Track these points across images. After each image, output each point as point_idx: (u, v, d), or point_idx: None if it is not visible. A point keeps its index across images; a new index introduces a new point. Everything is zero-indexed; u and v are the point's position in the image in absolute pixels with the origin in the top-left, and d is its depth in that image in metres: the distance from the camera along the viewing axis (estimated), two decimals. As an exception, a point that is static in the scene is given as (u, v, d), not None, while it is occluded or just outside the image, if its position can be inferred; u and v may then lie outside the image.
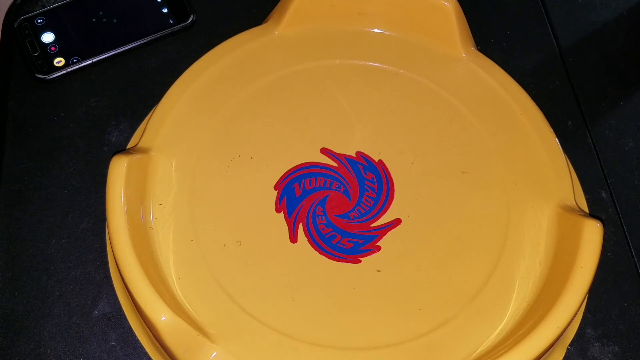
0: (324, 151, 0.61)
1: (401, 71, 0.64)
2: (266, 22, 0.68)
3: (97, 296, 0.59)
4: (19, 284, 0.59)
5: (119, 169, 0.55)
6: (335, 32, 0.66)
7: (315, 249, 0.57)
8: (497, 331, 0.54)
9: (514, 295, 0.56)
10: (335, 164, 0.61)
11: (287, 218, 0.58)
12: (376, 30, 0.66)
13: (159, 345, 0.54)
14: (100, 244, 0.61)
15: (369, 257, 0.57)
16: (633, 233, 0.63)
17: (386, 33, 0.66)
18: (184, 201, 0.58)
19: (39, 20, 0.69)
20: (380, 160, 0.61)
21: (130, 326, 0.58)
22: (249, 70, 0.64)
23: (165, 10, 0.70)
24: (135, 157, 0.56)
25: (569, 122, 0.68)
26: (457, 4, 0.63)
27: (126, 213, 0.54)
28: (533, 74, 0.70)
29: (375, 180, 0.60)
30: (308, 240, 0.58)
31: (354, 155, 0.61)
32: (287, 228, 0.58)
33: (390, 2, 0.65)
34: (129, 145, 0.64)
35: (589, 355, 0.58)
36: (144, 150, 0.59)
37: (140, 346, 0.57)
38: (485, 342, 0.54)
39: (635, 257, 0.62)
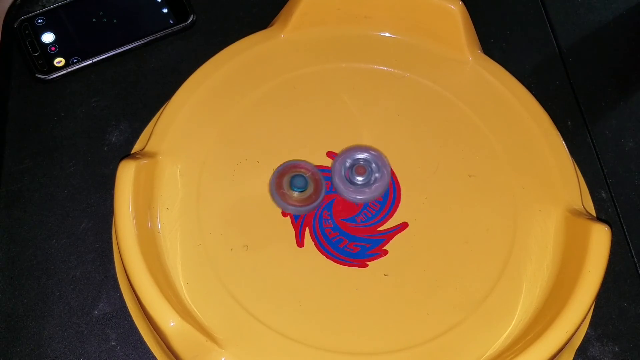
0: (330, 155, 0.61)
1: (407, 74, 0.64)
2: (272, 25, 0.67)
3: (97, 296, 0.59)
4: (19, 284, 0.59)
5: (127, 174, 0.54)
6: (342, 36, 0.66)
7: (322, 253, 0.57)
8: (505, 335, 0.54)
9: (521, 299, 0.56)
10: (341, 168, 0.61)
11: (294, 222, 0.58)
12: (382, 33, 0.66)
13: (167, 350, 0.54)
14: (101, 244, 0.61)
15: (376, 261, 0.57)
16: (633, 233, 0.63)
17: (392, 36, 0.66)
18: (191, 206, 0.58)
19: (39, 20, 0.69)
20: (386, 164, 0.61)
21: (130, 326, 0.58)
22: (255, 74, 0.64)
23: (165, 10, 0.70)
24: (143, 162, 0.56)
25: (569, 122, 0.68)
26: (464, 7, 0.63)
27: (134, 219, 0.54)
28: (533, 74, 0.70)
29: (381, 184, 0.60)
30: (315, 245, 0.58)
31: (360, 158, 0.61)
32: (293, 232, 0.58)
33: (396, 6, 0.65)
34: (134, 150, 0.64)
35: (589, 355, 0.59)
36: (151, 155, 0.58)
37: (140, 346, 0.57)
38: (493, 346, 0.54)
39: (635, 257, 0.62)
